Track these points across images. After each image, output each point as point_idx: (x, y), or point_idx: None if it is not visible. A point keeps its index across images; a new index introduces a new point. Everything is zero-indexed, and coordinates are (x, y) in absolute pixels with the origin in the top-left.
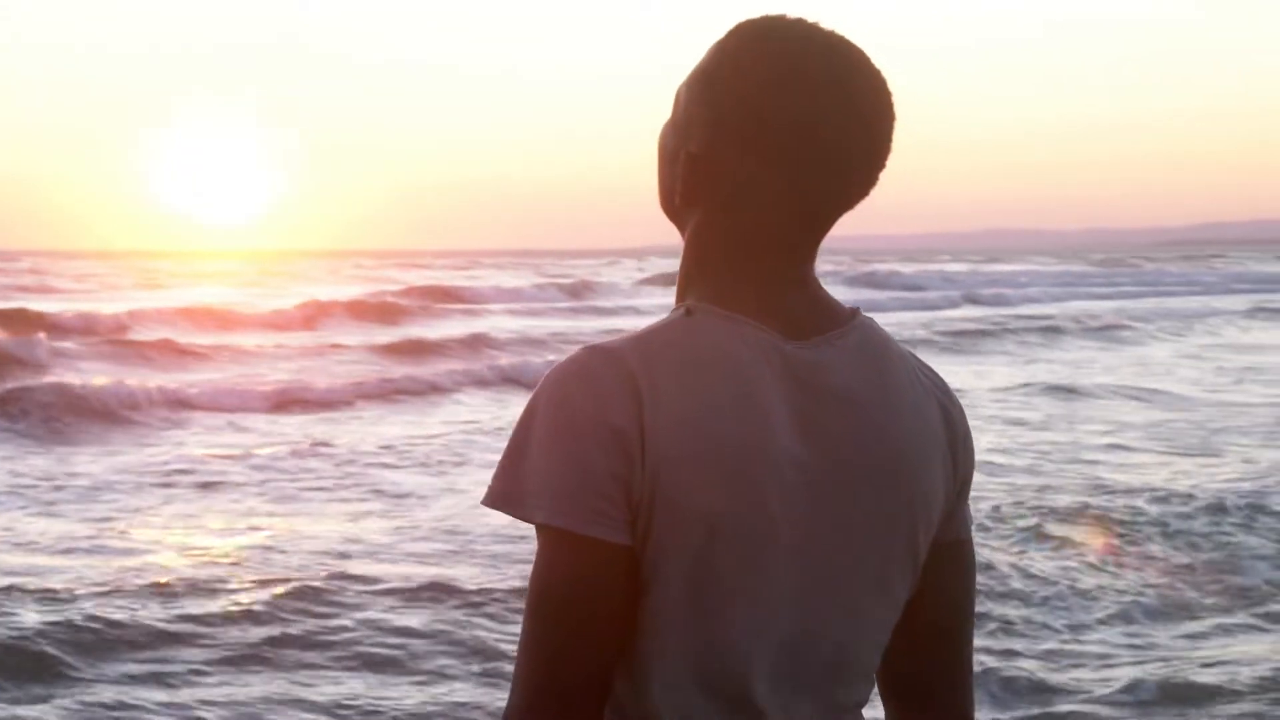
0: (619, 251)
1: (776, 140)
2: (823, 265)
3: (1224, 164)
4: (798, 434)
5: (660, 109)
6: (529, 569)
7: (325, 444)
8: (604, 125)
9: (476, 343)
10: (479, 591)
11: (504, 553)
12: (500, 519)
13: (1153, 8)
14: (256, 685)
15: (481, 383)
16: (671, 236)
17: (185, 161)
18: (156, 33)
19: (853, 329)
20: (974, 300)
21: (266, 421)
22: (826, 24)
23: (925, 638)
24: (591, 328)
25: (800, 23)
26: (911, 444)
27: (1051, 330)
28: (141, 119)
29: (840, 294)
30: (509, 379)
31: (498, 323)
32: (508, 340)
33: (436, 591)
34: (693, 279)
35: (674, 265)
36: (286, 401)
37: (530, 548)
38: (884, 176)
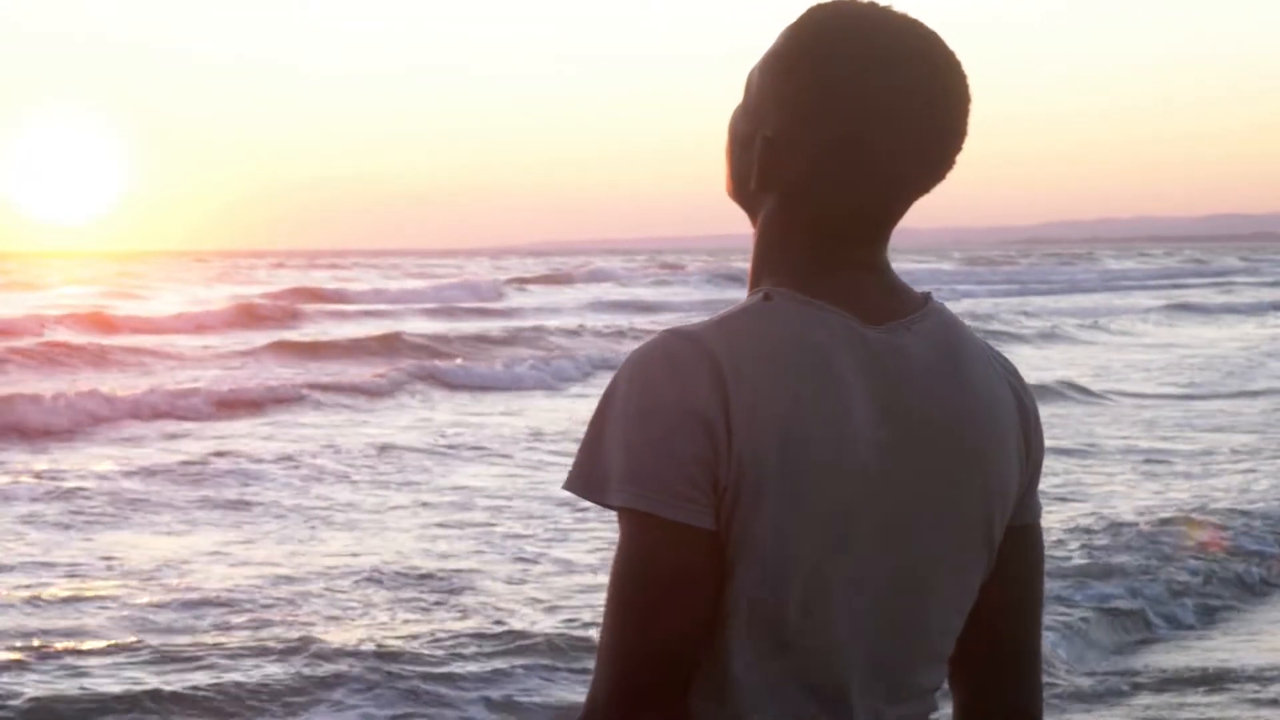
0: (474, 251)
1: (853, 123)
2: (699, 265)
3: (1068, 165)
4: (878, 420)
5: (507, 110)
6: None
7: (228, 453)
8: (457, 125)
9: (393, 343)
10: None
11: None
12: (340, 542)
13: (992, 9)
14: None
15: (412, 382)
16: (528, 237)
17: (27, 159)
18: None
19: (927, 314)
20: None
21: (192, 429)
22: (898, 7)
23: (996, 622)
24: (506, 326)
25: (873, 6)
26: (988, 429)
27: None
28: None
29: (712, 295)
30: (437, 380)
31: (411, 324)
32: (424, 341)
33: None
34: (767, 264)
35: (532, 266)
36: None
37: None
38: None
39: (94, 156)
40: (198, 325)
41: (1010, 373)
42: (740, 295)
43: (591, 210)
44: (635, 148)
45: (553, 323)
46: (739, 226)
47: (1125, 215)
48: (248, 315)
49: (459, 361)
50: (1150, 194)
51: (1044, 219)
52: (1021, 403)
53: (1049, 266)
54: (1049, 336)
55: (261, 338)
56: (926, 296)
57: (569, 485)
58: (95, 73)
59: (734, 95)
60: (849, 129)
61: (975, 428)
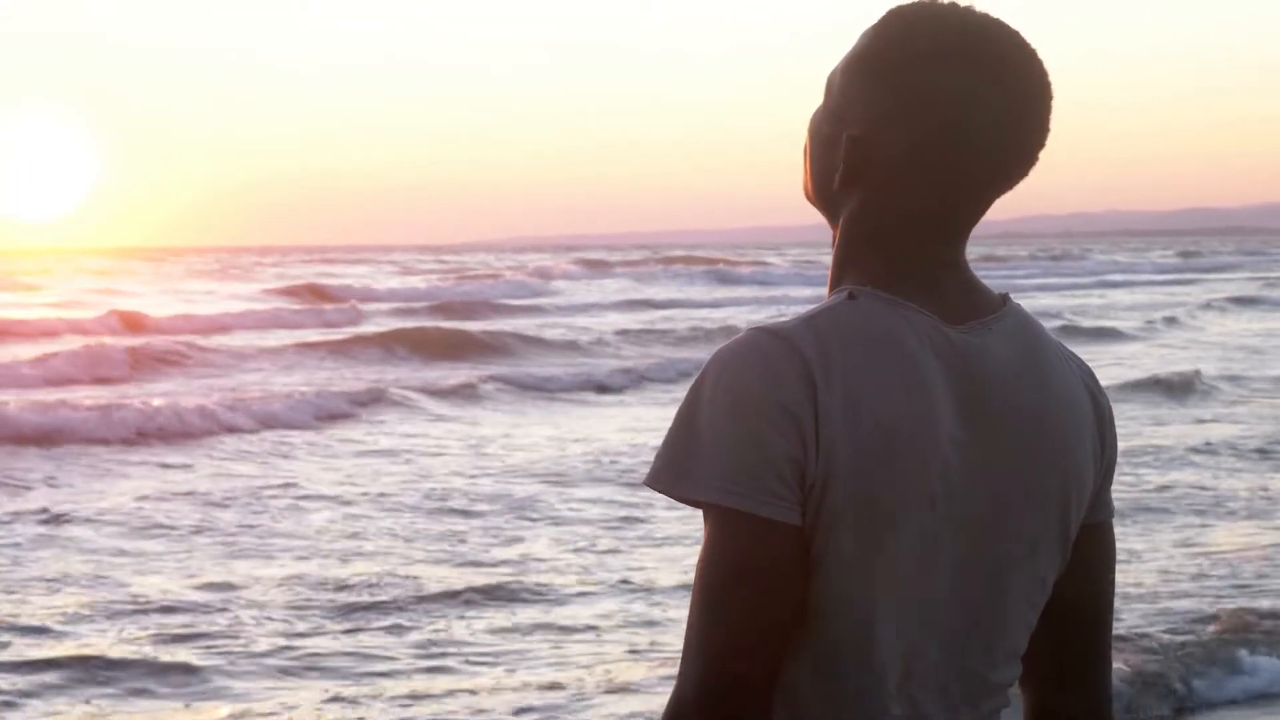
0: (450, 247)
1: (938, 121)
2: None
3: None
4: (960, 418)
5: (480, 103)
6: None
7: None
8: (428, 121)
9: (470, 344)
10: None
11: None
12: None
13: None
14: None
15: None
16: (507, 232)
17: None
18: None
19: (1006, 314)
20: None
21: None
22: (979, 6)
23: (1067, 620)
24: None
25: (953, 6)
26: (1065, 428)
27: None
28: None
29: (697, 294)
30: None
31: (475, 324)
32: (505, 340)
33: None
34: (849, 263)
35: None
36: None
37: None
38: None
39: (57, 153)
40: (251, 323)
41: (1085, 373)
42: (739, 292)
43: (563, 207)
44: (618, 145)
45: (627, 322)
46: (721, 222)
47: (1097, 209)
48: (300, 313)
49: (563, 369)
50: (1121, 188)
51: (1015, 214)
52: (1097, 403)
53: (1047, 263)
54: (1114, 330)
55: (332, 335)
56: (1005, 297)
57: (652, 481)
58: (59, 68)
59: (733, 95)
60: (932, 130)
61: (1054, 428)
